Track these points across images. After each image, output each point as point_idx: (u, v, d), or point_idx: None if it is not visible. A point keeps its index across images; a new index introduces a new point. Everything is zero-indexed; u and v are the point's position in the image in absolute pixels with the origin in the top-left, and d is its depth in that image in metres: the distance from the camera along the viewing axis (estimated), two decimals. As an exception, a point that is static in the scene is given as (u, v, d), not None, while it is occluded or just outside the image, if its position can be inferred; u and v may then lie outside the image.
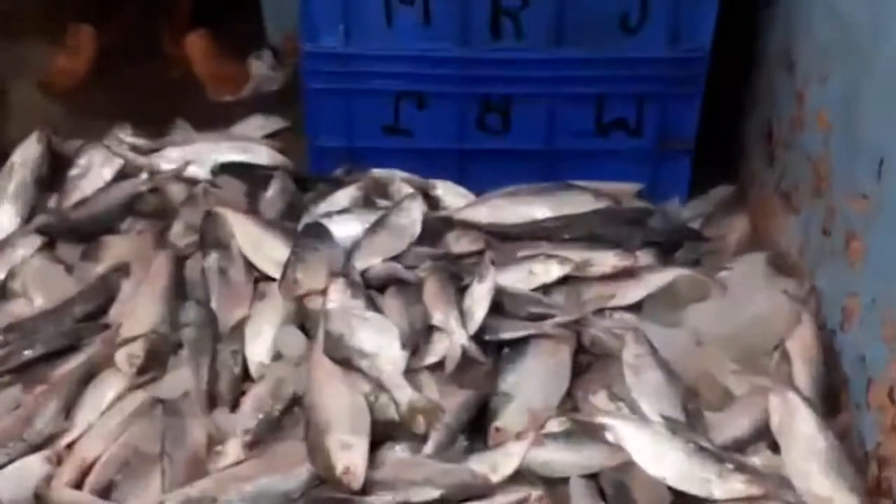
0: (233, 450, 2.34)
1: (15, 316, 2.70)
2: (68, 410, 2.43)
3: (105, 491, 2.29)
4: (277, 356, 2.53)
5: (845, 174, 2.44)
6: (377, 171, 3.13)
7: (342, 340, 2.44)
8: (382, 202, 3.04)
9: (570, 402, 2.44)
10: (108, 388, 2.48)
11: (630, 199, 3.08)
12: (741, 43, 3.14)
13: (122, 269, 2.79)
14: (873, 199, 2.28)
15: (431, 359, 2.47)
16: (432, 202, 3.04)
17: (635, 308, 2.65)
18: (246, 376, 2.52)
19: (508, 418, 2.36)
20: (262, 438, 2.36)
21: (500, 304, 2.57)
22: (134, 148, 3.24)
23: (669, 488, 2.22)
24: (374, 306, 2.55)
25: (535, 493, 2.23)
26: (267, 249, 2.78)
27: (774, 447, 2.33)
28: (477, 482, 2.24)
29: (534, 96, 3.04)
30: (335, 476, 2.20)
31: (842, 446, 2.27)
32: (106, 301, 2.72)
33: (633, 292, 2.66)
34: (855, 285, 2.37)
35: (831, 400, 2.42)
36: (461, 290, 2.59)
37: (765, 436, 2.35)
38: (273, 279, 2.69)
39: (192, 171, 3.15)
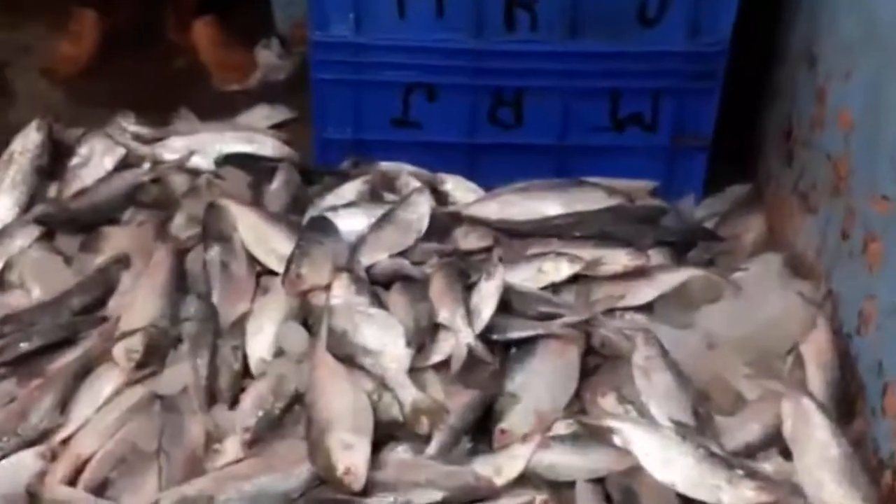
0: (232, 448, 2.35)
1: (11, 308, 2.71)
2: (64, 405, 2.43)
3: (100, 488, 2.30)
4: (279, 352, 2.53)
5: (866, 174, 2.44)
6: (385, 165, 3.14)
7: (346, 337, 2.45)
8: (389, 196, 3.04)
9: (577, 404, 2.45)
10: (105, 382, 2.49)
11: (644, 196, 3.08)
12: (761, 37, 3.13)
13: (122, 261, 2.80)
14: (894, 201, 2.28)
15: (437, 357, 2.47)
16: (441, 197, 3.05)
17: (646, 308, 2.65)
18: (246, 373, 2.52)
19: (514, 420, 2.37)
20: (262, 437, 2.37)
21: (508, 303, 2.57)
22: (136, 137, 3.26)
23: (678, 494, 2.23)
24: (379, 303, 2.55)
25: (540, 497, 2.24)
26: (270, 243, 2.78)
27: (786, 453, 2.33)
28: (481, 485, 2.24)
29: (547, 90, 3.05)
30: (336, 476, 2.21)
31: (856, 454, 2.27)
32: (105, 293, 2.73)
33: (644, 292, 2.66)
34: (873, 288, 2.36)
35: (846, 406, 2.42)
36: (468, 288, 2.59)
37: (777, 442, 2.36)
38: (276, 273, 2.69)
39: (196, 161, 3.16)
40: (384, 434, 2.33)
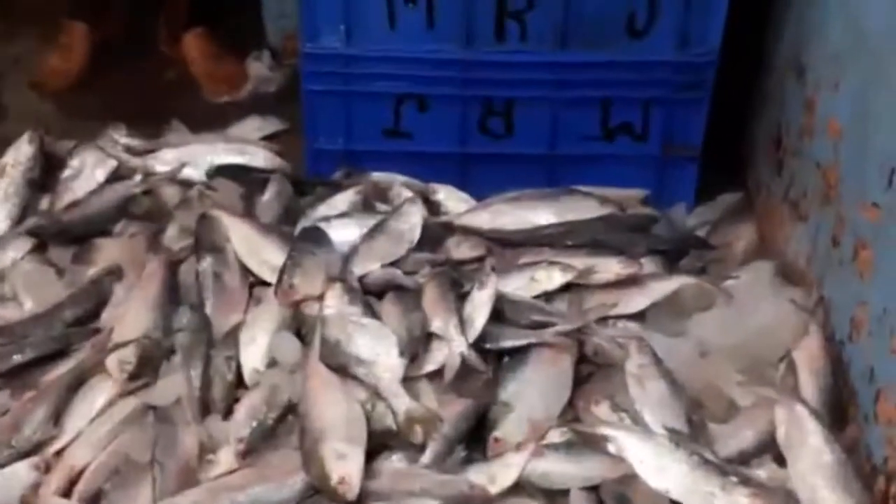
0: (225, 458, 2.35)
1: (4, 320, 2.70)
2: (57, 417, 2.43)
3: (94, 500, 2.30)
4: (272, 363, 2.53)
5: (855, 182, 2.44)
6: (376, 175, 3.14)
7: (339, 347, 2.45)
8: (382, 206, 3.05)
9: (571, 413, 2.45)
10: (98, 394, 2.49)
11: (635, 205, 3.09)
12: (750, 47, 3.15)
13: (115, 273, 2.79)
14: (884, 208, 2.28)
15: (430, 367, 2.47)
16: (433, 207, 3.05)
17: (639, 317, 2.66)
18: (240, 383, 2.52)
19: (508, 428, 2.37)
20: (256, 447, 2.36)
21: (501, 312, 2.58)
22: (128, 149, 3.26)
23: (672, 501, 2.23)
24: (371, 313, 2.55)
25: (534, 505, 2.24)
26: (263, 254, 2.78)
27: (780, 460, 2.33)
28: (475, 493, 2.25)
29: (538, 100, 3.06)
30: (330, 486, 2.20)
31: (849, 460, 2.27)
32: (97, 305, 2.73)
33: (636, 301, 2.67)
34: (864, 295, 2.37)
35: (838, 412, 2.42)
36: (461, 297, 2.59)
37: (770, 448, 2.36)
38: (269, 284, 2.69)
39: (188, 173, 3.16)
40: (378, 443, 2.33)
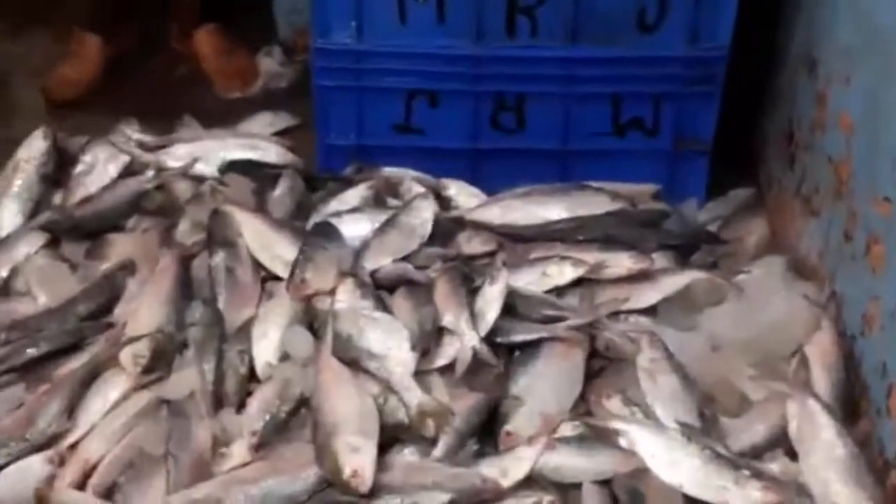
0: (238, 451, 2.35)
1: (18, 314, 2.71)
2: (71, 410, 2.44)
3: (108, 493, 2.31)
4: (285, 357, 2.53)
5: (867, 177, 2.45)
6: (388, 170, 3.15)
7: (351, 341, 2.45)
8: (393, 202, 3.05)
9: (583, 407, 2.46)
10: (112, 387, 2.49)
11: (646, 200, 3.09)
12: (761, 41, 3.15)
13: (128, 268, 2.80)
14: (896, 202, 2.29)
15: (441, 361, 2.48)
16: (444, 202, 3.06)
17: (650, 311, 2.66)
18: (252, 377, 2.53)
19: (520, 422, 2.37)
20: (269, 440, 2.37)
21: (513, 306, 2.58)
22: (140, 144, 3.26)
23: (685, 495, 2.23)
24: (383, 307, 2.56)
25: (547, 498, 2.25)
26: (275, 248, 2.79)
27: (792, 454, 2.34)
28: (487, 487, 2.25)
29: (549, 95, 3.06)
30: (343, 479, 2.21)
31: (861, 454, 2.28)
32: (110, 300, 2.73)
33: (648, 295, 2.67)
34: (876, 290, 2.37)
35: (851, 406, 2.42)
36: (472, 292, 2.60)
37: (782, 442, 2.36)
38: (281, 279, 2.70)
39: (200, 168, 3.16)
40: (390, 437, 2.34)
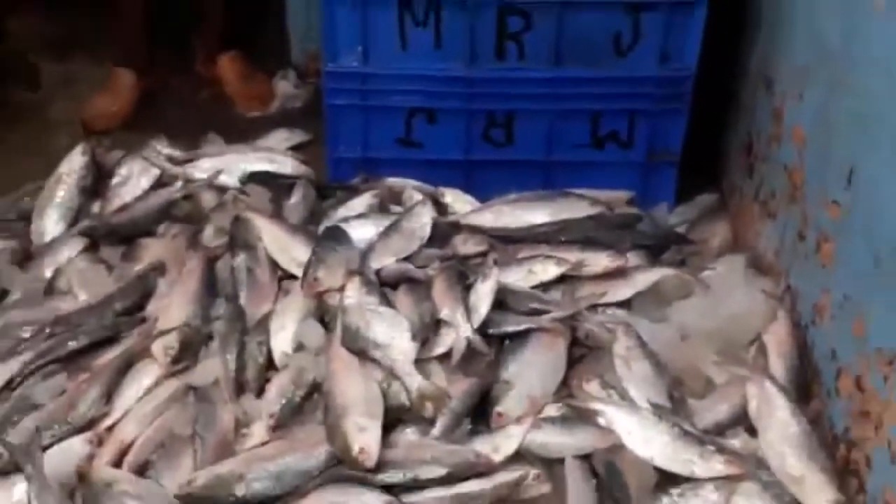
0: (258, 432, 2.36)
1: (61, 311, 2.71)
2: (109, 396, 2.45)
3: (141, 469, 2.32)
4: (299, 347, 2.54)
5: (818, 183, 2.45)
6: (391, 180, 3.15)
7: (358, 333, 2.46)
8: (396, 208, 3.05)
9: (565, 390, 2.46)
10: (145, 376, 2.51)
11: (622, 205, 3.09)
12: (725, 63, 3.15)
13: (159, 269, 2.81)
14: (844, 205, 2.29)
15: (439, 350, 2.48)
16: (441, 208, 3.05)
17: (626, 304, 2.66)
18: (270, 365, 2.54)
19: (509, 404, 2.38)
20: (285, 422, 2.38)
21: (503, 301, 2.59)
22: (170, 159, 3.26)
23: (656, 468, 2.24)
24: (387, 302, 2.56)
25: (533, 471, 2.26)
26: (291, 251, 2.79)
27: (752, 431, 2.34)
28: (480, 461, 2.26)
29: (535, 112, 3.06)
30: (351, 456, 2.22)
31: (813, 430, 2.29)
32: (143, 297, 2.74)
33: (623, 290, 2.67)
34: (827, 284, 2.37)
35: (804, 388, 2.42)
36: (467, 288, 2.60)
37: (743, 421, 2.37)
38: (296, 277, 2.71)
39: (223, 179, 3.16)
40: (393, 418, 2.35)
